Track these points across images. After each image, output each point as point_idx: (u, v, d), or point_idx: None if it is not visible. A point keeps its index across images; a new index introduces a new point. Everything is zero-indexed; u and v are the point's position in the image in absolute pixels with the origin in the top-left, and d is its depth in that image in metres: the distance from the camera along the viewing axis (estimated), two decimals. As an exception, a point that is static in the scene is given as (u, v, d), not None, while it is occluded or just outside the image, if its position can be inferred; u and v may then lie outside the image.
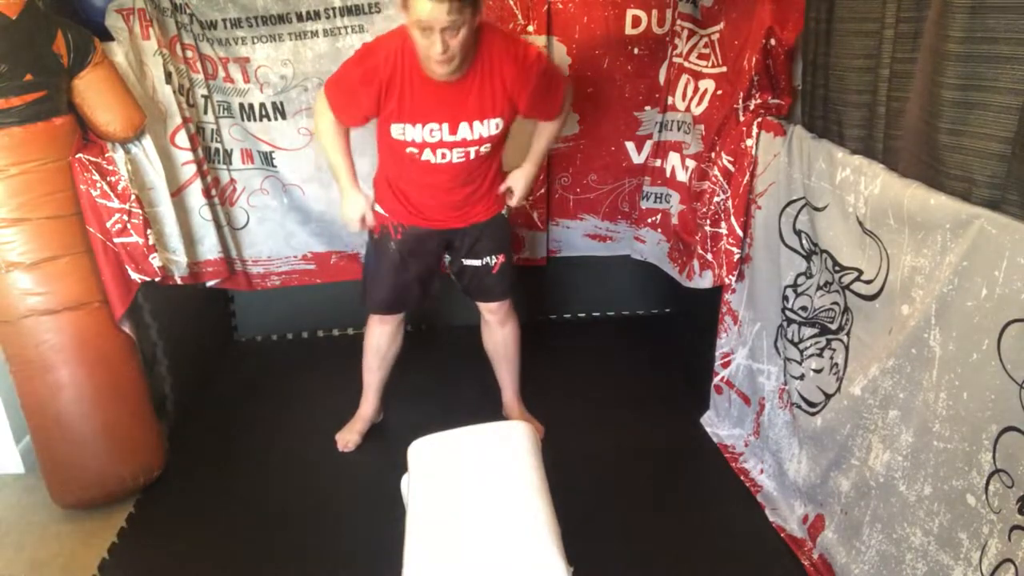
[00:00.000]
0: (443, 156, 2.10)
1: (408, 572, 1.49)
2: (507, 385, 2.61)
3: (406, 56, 1.96)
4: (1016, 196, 1.28)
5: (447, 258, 2.43)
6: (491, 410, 2.61)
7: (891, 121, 1.61)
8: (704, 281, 2.48)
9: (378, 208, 2.30)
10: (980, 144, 1.33)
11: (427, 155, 2.10)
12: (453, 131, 2.05)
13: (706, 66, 2.50)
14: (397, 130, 2.06)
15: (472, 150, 2.11)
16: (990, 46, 1.28)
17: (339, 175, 2.26)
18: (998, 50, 1.27)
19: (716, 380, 2.54)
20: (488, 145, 2.12)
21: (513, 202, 2.34)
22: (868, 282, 1.67)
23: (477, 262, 2.35)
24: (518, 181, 2.31)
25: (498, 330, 2.49)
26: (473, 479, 1.68)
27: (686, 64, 2.60)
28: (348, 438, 2.54)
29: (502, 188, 2.31)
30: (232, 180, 2.90)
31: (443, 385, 2.72)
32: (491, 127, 2.07)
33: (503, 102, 2.04)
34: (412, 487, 1.73)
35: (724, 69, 2.39)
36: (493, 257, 2.35)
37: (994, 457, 1.33)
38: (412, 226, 2.27)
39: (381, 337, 2.48)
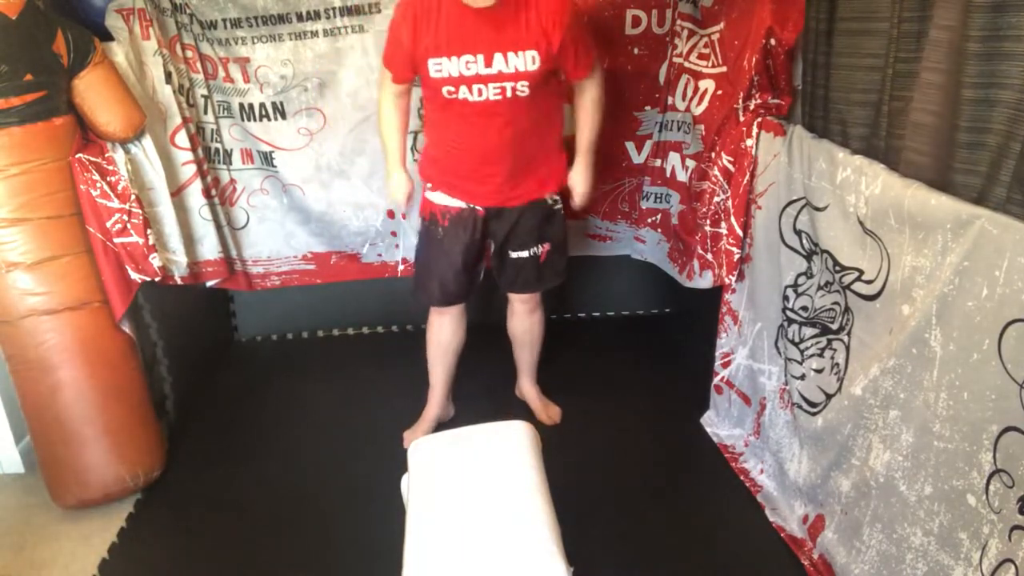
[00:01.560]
0: (479, 92, 2.08)
1: (408, 572, 1.48)
2: (525, 368, 2.66)
3: None
4: (1018, 196, 1.28)
5: (492, 248, 2.40)
6: (491, 410, 2.61)
7: (894, 120, 1.61)
8: (704, 281, 2.48)
9: (428, 195, 2.33)
10: (1000, 142, 1.33)
11: (463, 92, 2.09)
12: (488, 63, 2.04)
13: (706, 66, 2.50)
14: (434, 67, 2.06)
15: (508, 86, 2.08)
16: (1014, 44, 1.27)
17: (387, 154, 2.32)
18: (1022, 48, 1.27)
19: (716, 380, 2.53)
20: (525, 84, 2.08)
21: (577, 201, 2.38)
22: (869, 282, 1.67)
23: (524, 253, 2.35)
24: (576, 178, 2.35)
25: (527, 319, 2.53)
26: (473, 479, 1.68)
27: (686, 64, 2.60)
28: (413, 439, 2.52)
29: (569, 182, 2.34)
30: (232, 180, 2.91)
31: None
32: (527, 60, 2.05)
33: (538, 34, 2.04)
34: (412, 487, 1.73)
35: (724, 69, 2.39)
36: (539, 247, 2.35)
37: (994, 457, 1.33)
38: (459, 209, 2.28)
39: (441, 330, 2.47)
